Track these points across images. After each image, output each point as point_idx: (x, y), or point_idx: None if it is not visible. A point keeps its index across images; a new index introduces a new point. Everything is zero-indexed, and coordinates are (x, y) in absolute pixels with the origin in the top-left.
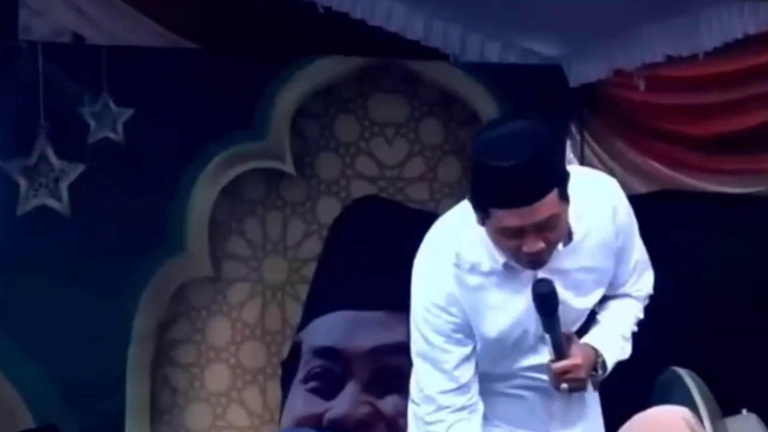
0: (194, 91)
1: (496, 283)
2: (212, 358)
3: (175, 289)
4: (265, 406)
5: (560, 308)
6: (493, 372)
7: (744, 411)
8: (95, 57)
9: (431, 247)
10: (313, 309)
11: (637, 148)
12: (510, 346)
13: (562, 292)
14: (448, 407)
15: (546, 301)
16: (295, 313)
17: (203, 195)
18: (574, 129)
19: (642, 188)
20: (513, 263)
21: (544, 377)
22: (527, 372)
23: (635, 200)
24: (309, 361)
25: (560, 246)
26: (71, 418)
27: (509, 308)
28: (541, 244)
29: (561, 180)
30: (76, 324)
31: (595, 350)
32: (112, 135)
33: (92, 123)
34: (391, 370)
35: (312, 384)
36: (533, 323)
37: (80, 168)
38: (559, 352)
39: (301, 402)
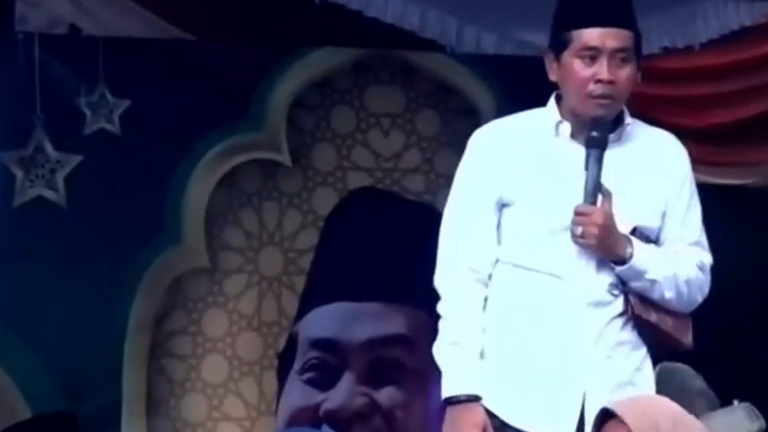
0: (191, 82)
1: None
2: (209, 350)
3: (171, 280)
4: (262, 397)
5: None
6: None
7: (735, 402)
8: (92, 48)
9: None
10: (310, 300)
11: None
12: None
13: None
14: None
15: (599, 127)
16: (292, 304)
17: (200, 186)
18: None
19: None
20: (579, 108)
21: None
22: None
23: None
24: (305, 352)
25: (614, 135)
26: (68, 408)
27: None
28: (612, 77)
29: (639, 33)
30: (72, 315)
31: (628, 238)
32: (108, 126)
33: (89, 114)
34: (387, 361)
35: (308, 375)
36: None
37: (77, 159)
38: (590, 197)
39: (298, 393)
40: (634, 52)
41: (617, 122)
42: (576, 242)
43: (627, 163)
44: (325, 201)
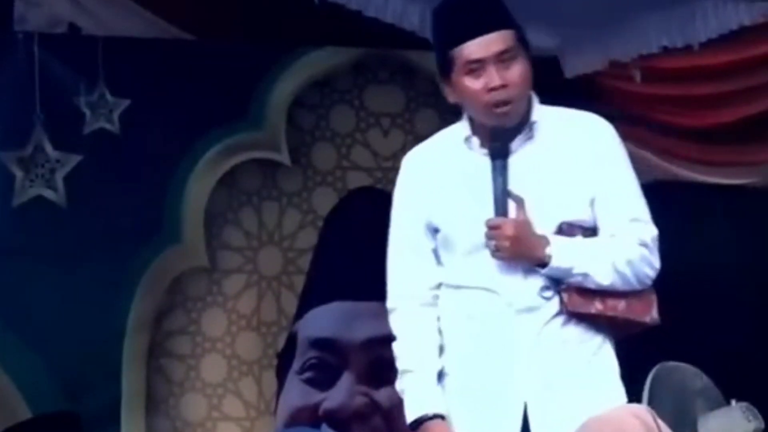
0: (190, 82)
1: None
2: (208, 349)
3: (171, 279)
4: (261, 397)
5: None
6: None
7: (733, 402)
8: (91, 48)
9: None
10: (309, 300)
11: (632, 139)
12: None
13: (522, 183)
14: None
15: (497, 136)
16: (291, 303)
17: (199, 186)
18: None
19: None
20: (483, 121)
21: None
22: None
23: None
24: (304, 352)
25: (523, 134)
26: (67, 407)
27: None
28: (503, 81)
29: (518, 26)
30: (71, 314)
31: (546, 240)
32: (108, 126)
33: (88, 114)
34: (387, 361)
35: (307, 375)
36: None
37: (76, 159)
38: (501, 207)
39: (297, 393)
40: (520, 47)
41: (526, 121)
42: (494, 256)
43: (543, 159)
44: (325, 200)
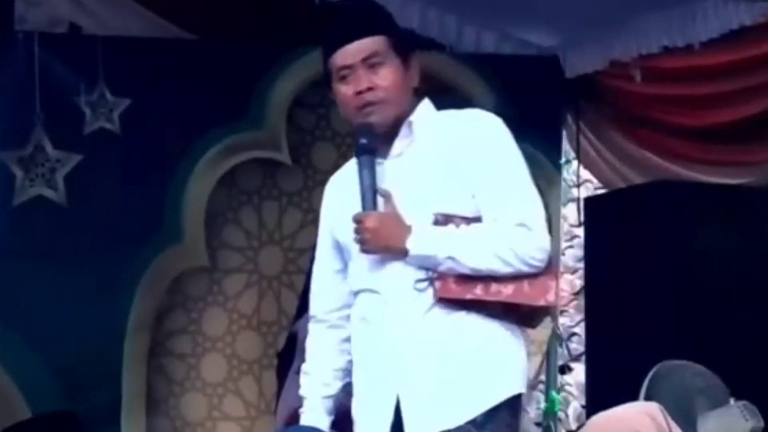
0: (191, 81)
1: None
2: (208, 348)
3: (171, 279)
4: (261, 396)
5: (389, 197)
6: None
7: (732, 400)
8: (91, 47)
9: None
10: (309, 299)
11: (632, 138)
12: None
13: (395, 183)
14: None
15: (362, 134)
16: (291, 303)
17: (200, 185)
18: (570, 119)
19: (637, 178)
20: (354, 121)
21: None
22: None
23: (630, 191)
24: (305, 351)
25: (402, 134)
26: (67, 407)
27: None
28: (368, 84)
29: (392, 30)
30: (72, 314)
31: (408, 229)
32: (108, 125)
33: (88, 113)
34: None
35: None
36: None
37: (76, 158)
38: (369, 203)
39: (297, 392)
40: (392, 51)
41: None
42: (362, 251)
43: (423, 157)
44: None
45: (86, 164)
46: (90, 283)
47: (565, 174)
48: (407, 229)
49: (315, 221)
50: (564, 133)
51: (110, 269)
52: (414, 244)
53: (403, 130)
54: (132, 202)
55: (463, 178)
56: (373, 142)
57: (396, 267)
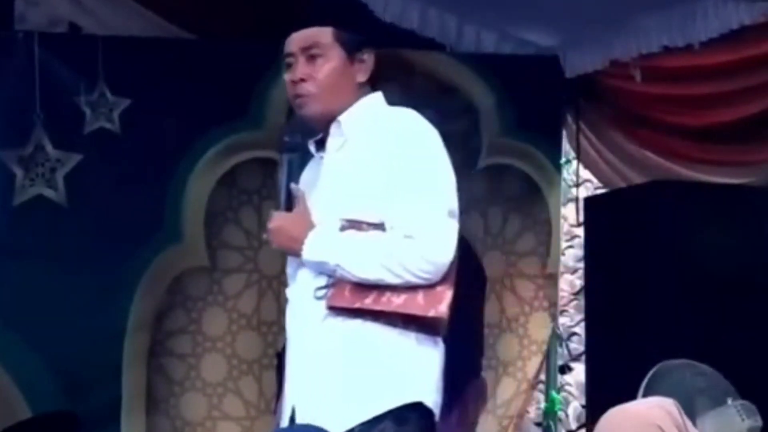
0: (190, 81)
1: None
2: (208, 348)
3: (171, 279)
4: (261, 396)
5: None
6: None
7: (729, 400)
8: (91, 47)
9: None
10: None
11: (633, 138)
12: None
13: (322, 181)
14: None
15: (289, 132)
16: None
17: (200, 185)
18: (570, 119)
19: (637, 178)
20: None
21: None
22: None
23: (630, 190)
24: None
25: (333, 133)
26: (67, 407)
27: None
28: (303, 75)
29: (338, 23)
30: (72, 313)
31: (307, 231)
32: (108, 125)
33: (88, 113)
34: None
35: None
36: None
37: (76, 158)
38: (284, 201)
39: None
40: (337, 44)
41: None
42: (272, 247)
43: (348, 157)
44: None
45: (86, 164)
46: (90, 283)
47: (565, 174)
48: (304, 233)
49: None
50: (564, 133)
51: (110, 269)
52: (307, 250)
53: (333, 129)
54: (132, 202)
55: (374, 182)
56: (296, 140)
57: (303, 273)
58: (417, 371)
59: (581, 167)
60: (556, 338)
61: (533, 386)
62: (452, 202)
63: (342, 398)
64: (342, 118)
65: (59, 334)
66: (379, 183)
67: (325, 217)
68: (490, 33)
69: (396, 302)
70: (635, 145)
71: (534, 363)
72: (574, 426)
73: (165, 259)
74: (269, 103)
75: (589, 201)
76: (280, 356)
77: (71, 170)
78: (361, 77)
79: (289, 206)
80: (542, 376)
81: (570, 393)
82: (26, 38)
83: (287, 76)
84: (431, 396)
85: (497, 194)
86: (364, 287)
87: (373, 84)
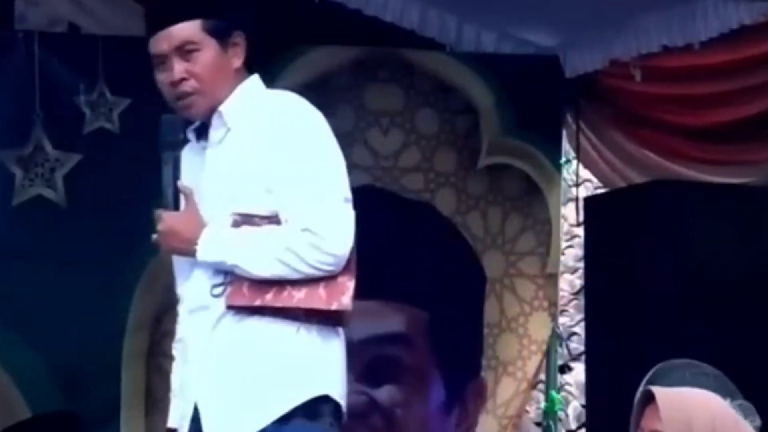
0: None
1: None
2: None
3: (170, 279)
4: None
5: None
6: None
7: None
8: (91, 47)
9: None
10: None
11: (633, 138)
12: None
13: (206, 176)
14: None
15: (167, 129)
16: None
17: None
18: (570, 119)
19: (637, 178)
20: (177, 111)
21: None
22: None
23: (631, 190)
24: None
25: (214, 125)
26: (67, 406)
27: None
28: (182, 74)
29: (207, 13)
30: (71, 313)
31: (200, 230)
32: (107, 125)
33: (88, 113)
34: (386, 360)
35: None
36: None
37: (76, 158)
38: (171, 201)
39: None
40: (208, 35)
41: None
42: (159, 251)
43: (233, 150)
44: None
45: (86, 164)
46: (89, 283)
47: (565, 174)
48: (198, 232)
49: None
50: (564, 132)
51: (109, 269)
52: (202, 251)
53: (215, 121)
54: (131, 201)
55: (263, 173)
56: (178, 137)
57: (198, 272)
58: (321, 364)
59: (581, 167)
60: (556, 338)
61: (533, 386)
62: (346, 187)
63: (249, 397)
64: (222, 107)
65: (59, 333)
66: (269, 173)
67: (215, 213)
68: (490, 33)
69: (297, 297)
70: (635, 144)
71: (534, 363)
72: (574, 426)
73: (164, 259)
74: None
75: (589, 201)
76: None
77: (71, 170)
78: (237, 62)
79: (177, 206)
80: (542, 376)
81: (570, 393)
82: (26, 38)
83: (162, 78)
84: (337, 388)
85: (497, 194)
86: (263, 283)
87: (248, 66)
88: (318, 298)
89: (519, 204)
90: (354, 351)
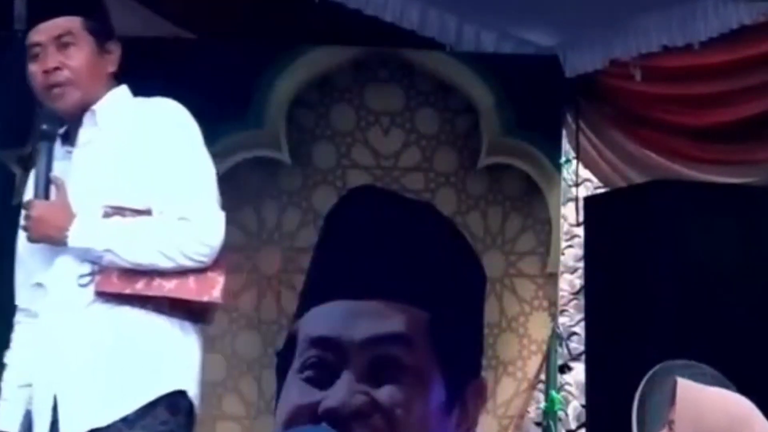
0: (190, 80)
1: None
2: (208, 348)
3: None
4: (261, 396)
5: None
6: None
7: None
8: None
9: None
10: (309, 298)
11: (633, 137)
12: None
13: (76, 172)
14: None
15: (45, 119)
16: (291, 302)
17: None
18: (570, 119)
19: (637, 178)
20: (44, 101)
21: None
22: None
23: (631, 190)
24: (304, 350)
25: (86, 123)
26: None
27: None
28: (56, 64)
29: (92, 14)
30: None
31: (71, 219)
32: None
33: None
34: (387, 360)
35: (307, 373)
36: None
37: None
38: (43, 191)
39: (297, 391)
40: (87, 33)
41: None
42: (28, 240)
43: (103, 146)
44: (325, 199)
45: None
46: None
47: (565, 173)
48: (70, 220)
49: (315, 221)
50: (564, 132)
51: None
52: (73, 236)
53: (87, 119)
54: None
55: (136, 169)
56: (55, 128)
57: (63, 261)
58: (179, 358)
59: (581, 167)
60: (556, 338)
61: (533, 386)
62: (217, 194)
63: (110, 386)
64: (96, 107)
65: None
66: (143, 170)
67: (87, 206)
68: (490, 33)
69: (168, 287)
70: (635, 144)
71: (534, 363)
72: (574, 426)
73: None
74: (269, 103)
75: (589, 201)
76: (280, 356)
77: None
78: (111, 67)
79: (48, 195)
80: (542, 376)
81: (570, 393)
82: (26, 38)
83: (35, 67)
84: (193, 386)
85: (497, 194)
86: (133, 273)
87: (117, 77)
88: (188, 290)
89: (519, 204)
90: (355, 351)
